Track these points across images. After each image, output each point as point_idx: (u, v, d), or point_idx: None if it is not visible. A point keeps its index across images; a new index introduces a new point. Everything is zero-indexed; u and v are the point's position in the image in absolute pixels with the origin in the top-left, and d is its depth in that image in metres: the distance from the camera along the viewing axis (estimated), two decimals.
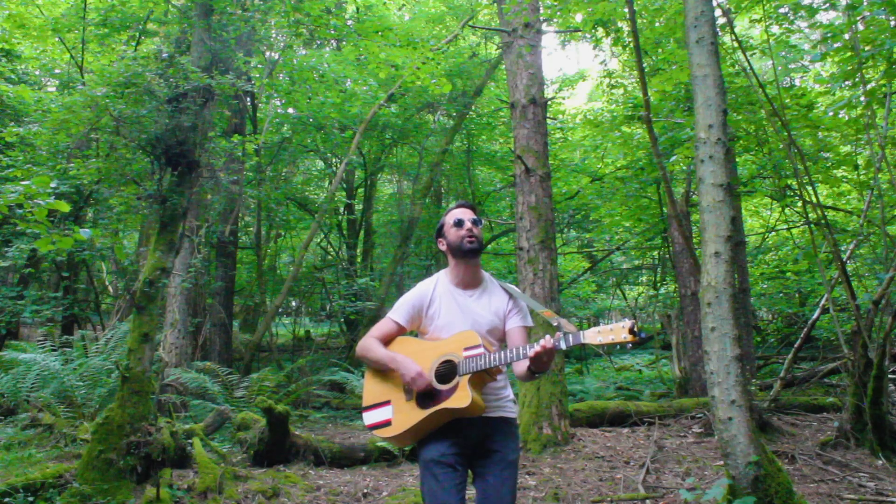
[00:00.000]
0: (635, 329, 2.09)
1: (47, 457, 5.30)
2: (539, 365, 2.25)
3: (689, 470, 5.06)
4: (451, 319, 2.50)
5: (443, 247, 2.61)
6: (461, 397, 2.29)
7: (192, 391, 7.21)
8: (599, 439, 6.21)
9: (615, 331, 2.12)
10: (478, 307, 2.52)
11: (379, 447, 5.61)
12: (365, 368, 2.62)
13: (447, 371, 2.38)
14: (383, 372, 2.51)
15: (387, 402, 2.46)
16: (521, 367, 2.35)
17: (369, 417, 2.49)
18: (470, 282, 2.57)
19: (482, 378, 2.37)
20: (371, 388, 2.54)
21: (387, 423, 2.43)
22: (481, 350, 2.33)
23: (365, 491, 4.68)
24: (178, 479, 4.48)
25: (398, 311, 2.57)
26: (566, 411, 6.13)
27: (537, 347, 2.21)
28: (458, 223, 2.54)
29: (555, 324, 2.32)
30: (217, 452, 5.35)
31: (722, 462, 4.02)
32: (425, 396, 2.37)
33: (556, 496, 4.45)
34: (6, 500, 3.93)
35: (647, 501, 4.30)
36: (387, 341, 2.55)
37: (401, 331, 2.56)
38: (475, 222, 2.55)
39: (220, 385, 7.28)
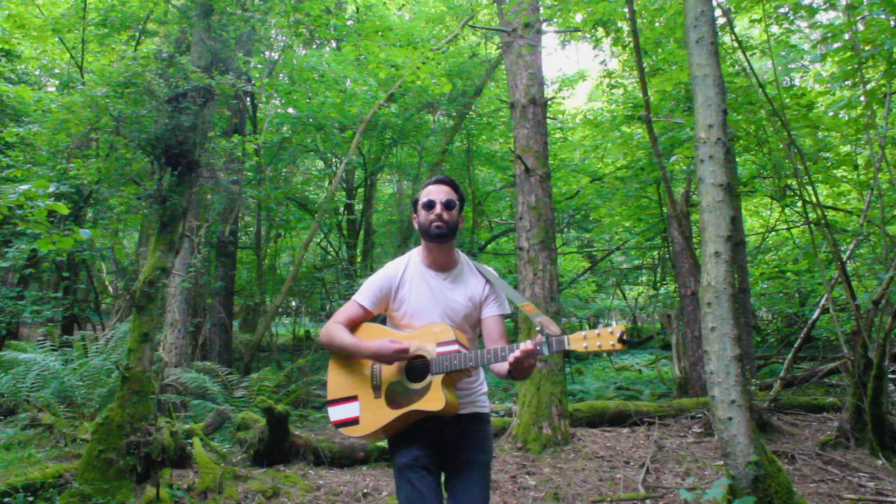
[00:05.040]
0: (624, 337, 1.94)
1: (47, 457, 5.29)
2: (520, 371, 2.08)
3: (689, 470, 5.06)
4: (422, 305, 2.31)
5: (416, 224, 2.39)
6: (434, 399, 2.13)
7: (192, 391, 7.20)
8: (599, 439, 6.21)
9: (602, 337, 1.96)
10: (451, 292, 2.34)
11: (379, 447, 5.61)
12: (329, 358, 2.40)
13: (419, 367, 2.21)
14: (348, 362, 2.32)
15: (353, 398, 2.28)
16: (500, 366, 2.16)
17: (335, 413, 2.30)
18: (443, 264, 2.37)
19: (456, 377, 2.22)
20: (336, 381, 2.33)
21: (354, 422, 2.25)
22: (456, 347, 2.15)
23: (365, 491, 4.68)
24: (178, 479, 4.48)
25: (364, 294, 2.36)
26: (566, 411, 6.13)
27: (517, 352, 2.03)
28: (429, 205, 2.31)
29: (536, 326, 2.10)
30: (217, 452, 5.35)
31: (722, 462, 4.02)
32: (395, 394, 2.21)
33: (556, 496, 4.45)
34: (6, 500, 3.92)
35: (647, 501, 4.30)
36: (352, 327, 2.34)
37: (367, 315, 2.36)
38: (448, 205, 2.30)
39: (220, 385, 7.28)
